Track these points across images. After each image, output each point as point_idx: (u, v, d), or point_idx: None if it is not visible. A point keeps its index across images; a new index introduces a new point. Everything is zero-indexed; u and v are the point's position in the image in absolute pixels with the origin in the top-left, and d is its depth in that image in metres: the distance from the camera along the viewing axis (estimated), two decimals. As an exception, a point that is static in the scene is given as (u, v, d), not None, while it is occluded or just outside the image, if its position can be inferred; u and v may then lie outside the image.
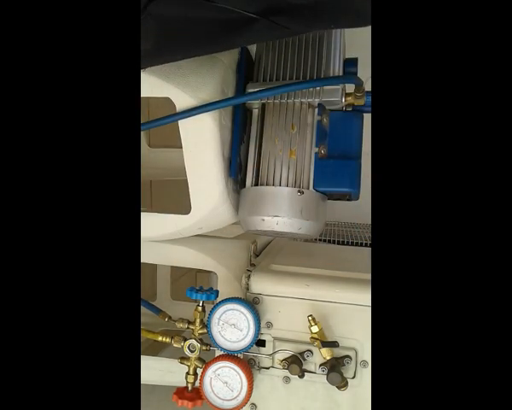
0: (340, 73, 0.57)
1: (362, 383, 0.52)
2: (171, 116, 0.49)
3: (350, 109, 0.55)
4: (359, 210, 0.78)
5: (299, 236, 0.52)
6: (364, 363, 0.51)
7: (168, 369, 0.59)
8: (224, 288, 0.57)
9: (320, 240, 0.84)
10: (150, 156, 0.85)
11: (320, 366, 0.52)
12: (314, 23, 0.36)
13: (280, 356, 0.53)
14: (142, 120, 0.51)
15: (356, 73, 0.57)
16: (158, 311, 0.58)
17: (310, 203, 0.51)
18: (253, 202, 0.54)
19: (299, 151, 0.56)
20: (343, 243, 0.82)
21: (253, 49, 0.64)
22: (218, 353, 0.53)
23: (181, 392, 0.53)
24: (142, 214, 0.54)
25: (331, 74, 0.59)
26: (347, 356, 0.51)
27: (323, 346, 0.49)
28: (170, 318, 0.57)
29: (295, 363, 0.51)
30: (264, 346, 0.54)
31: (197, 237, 0.61)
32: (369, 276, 0.53)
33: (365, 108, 0.54)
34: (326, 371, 0.50)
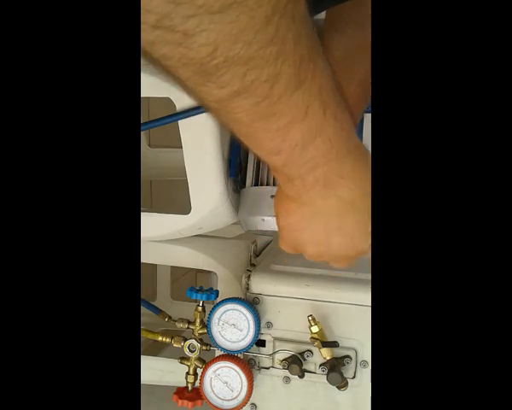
0: (340, 73, 0.57)
1: (362, 383, 0.52)
2: (171, 116, 0.49)
3: (350, 109, 0.55)
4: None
5: (300, 236, 0.52)
6: (364, 363, 0.51)
7: (168, 369, 0.59)
8: (224, 288, 0.57)
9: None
10: (150, 156, 0.85)
11: (320, 366, 0.52)
12: None
13: (280, 356, 0.53)
14: (142, 120, 0.51)
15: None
16: (158, 311, 0.58)
17: (310, 203, 0.50)
18: (253, 202, 0.54)
19: (299, 151, 0.56)
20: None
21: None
22: (218, 353, 0.53)
23: (181, 392, 0.53)
24: (142, 214, 0.54)
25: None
26: (347, 356, 0.51)
27: (323, 346, 0.49)
28: (170, 318, 0.57)
29: (295, 363, 0.51)
30: (264, 346, 0.54)
31: (197, 237, 0.61)
32: (369, 276, 0.53)
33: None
34: (326, 371, 0.50)
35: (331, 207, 0.31)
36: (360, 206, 0.31)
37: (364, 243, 0.34)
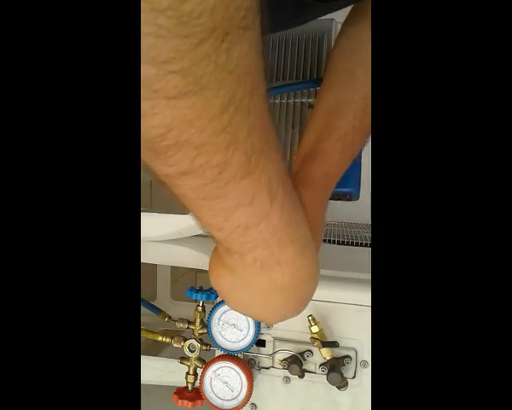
0: (340, 73, 0.57)
1: (362, 383, 0.52)
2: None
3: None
4: (359, 210, 0.78)
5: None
6: (364, 363, 0.51)
7: (168, 369, 0.59)
8: (224, 288, 0.57)
9: (320, 240, 0.84)
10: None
11: (320, 366, 0.52)
12: None
13: (280, 356, 0.53)
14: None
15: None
16: (158, 311, 0.58)
17: (310, 203, 0.50)
18: (253, 202, 0.54)
19: (299, 151, 0.56)
20: (343, 243, 0.82)
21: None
22: (218, 353, 0.53)
23: (181, 392, 0.53)
24: (142, 214, 0.54)
25: (331, 74, 0.59)
26: (347, 356, 0.51)
27: (323, 346, 0.49)
28: (170, 318, 0.57)
29: (295, 363, 0.51)
30: (264, 346, 0.54)
31: (197, 237, 0.61)
32: (369, 276, 0.53)
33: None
34: (326, 371, 0.50)
35: (261, 286, 0.31)
36: (290, 292, 0.32)
37: (283, 318, 0.36)
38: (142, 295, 0.53)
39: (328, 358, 0.50)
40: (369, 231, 0.91)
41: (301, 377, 0.51)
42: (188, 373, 0.53)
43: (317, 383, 0.53)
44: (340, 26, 0.63)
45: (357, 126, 0.39)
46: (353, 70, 0.40)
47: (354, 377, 0.52)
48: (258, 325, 0.51)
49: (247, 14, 0.18)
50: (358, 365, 0.52)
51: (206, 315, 0.52)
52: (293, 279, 0.31)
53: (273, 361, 0.54)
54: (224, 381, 0.52)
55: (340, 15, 0.47)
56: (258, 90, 0.21)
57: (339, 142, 0.39)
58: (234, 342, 0.51)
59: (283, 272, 0.30)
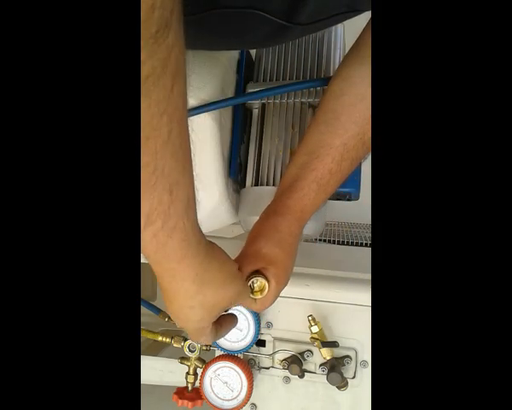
0: (340, 73, 0.57)
1: (362, 383, 0.52)
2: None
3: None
4: (359, 210, 0.78)
5: (299, 236, 0.52)
6: (364, 363, 0.51)
7: (168, 369, 0.59)
8: (224, 288, 0.57)
9: (320, 240, 0.84)
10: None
11: (320, 366, 0.52)
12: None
13: (280, 356, 0.53)
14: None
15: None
16: (158, 311, 0.58)
17: (310, 203, 0.50)
18: (253, 202, 0.54)
19: (299, 151, 0.56)
20: (343, 243, 0.82)
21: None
22: (218, 353, 0.53)
23: (181, 392, 0.53)
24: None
25: (331, 74, 0.59)
26: (347, 356, 0.51)
27: (323, 346, 0.49)
28: (170, 318, 0.57)
29: (295, 363, 0.51)
30: (264, 346, 0.54)
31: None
32: (369, 276, 0.53)
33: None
34: (326, 371, 0.50)
35: (170, 289, 0.34)
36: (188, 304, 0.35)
37: (185, 325, 0.39)
38: (142, 295, 0.53)
39: (328, 358, 0.50)
40: (369, 231, 0.91)
41: (301, 377, 0.51)
42: (188, 373, 0.53)
43: (317, 383, 0.53)
44: (340, 27, 0.63)
45: (333, 170, 0.42)
46: (340, 113, 0.42)
47: (354, 377, 0.52)
48: (258, 325, 0.51)
49: None
50: (358, 365, 0.52)
51: (206, 315, 0.52)
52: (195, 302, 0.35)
53: (273, 361, 0.54)
54: (223, 381, 0.52)
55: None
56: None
57: (314, 183, 0.42)
58: (234, 342, 0.51)
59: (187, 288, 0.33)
